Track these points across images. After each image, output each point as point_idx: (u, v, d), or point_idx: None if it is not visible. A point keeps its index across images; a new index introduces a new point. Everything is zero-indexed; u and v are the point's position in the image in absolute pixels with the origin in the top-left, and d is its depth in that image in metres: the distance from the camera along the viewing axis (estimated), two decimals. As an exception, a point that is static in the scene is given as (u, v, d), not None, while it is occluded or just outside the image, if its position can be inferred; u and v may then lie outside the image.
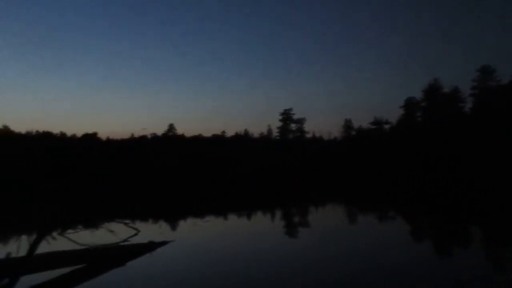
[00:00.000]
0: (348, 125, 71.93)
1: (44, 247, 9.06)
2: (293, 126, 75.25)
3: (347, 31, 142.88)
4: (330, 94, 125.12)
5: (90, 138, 63.36)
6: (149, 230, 14.37)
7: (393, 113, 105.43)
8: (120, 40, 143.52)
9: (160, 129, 79.98)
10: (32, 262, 8.00)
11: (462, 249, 11.56)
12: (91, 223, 16.89)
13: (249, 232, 14.94)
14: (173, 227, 17.12)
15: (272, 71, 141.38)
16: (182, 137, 73.47)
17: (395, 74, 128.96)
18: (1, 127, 64.27)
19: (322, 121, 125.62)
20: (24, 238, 12.27)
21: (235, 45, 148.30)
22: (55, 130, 76.67)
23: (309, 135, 75.24)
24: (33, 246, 8.18)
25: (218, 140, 72.84)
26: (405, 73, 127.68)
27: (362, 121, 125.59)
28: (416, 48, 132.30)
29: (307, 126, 76.46)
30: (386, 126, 66.98)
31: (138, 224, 14.27)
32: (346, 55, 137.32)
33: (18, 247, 8.70)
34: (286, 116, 75.12)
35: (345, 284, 7.74)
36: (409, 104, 64.56)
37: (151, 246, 10.56)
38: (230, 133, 77.49)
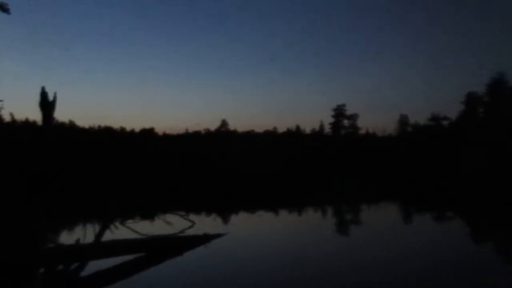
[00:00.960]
0: (403, 121, 69.40)
1: (107, 236, 9.65)
2: (346, 122, 73.94)
3: (403, 23, 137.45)
4: (385, 88, 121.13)
5: (147, 133, 66.07)
6: (203, 223, 14.83)
7: (452, 109, 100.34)
8: (176, 38, 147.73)
9: (213, 125, 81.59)
10: (98, 249, 8.58)
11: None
12: (148, 214, 17.69)
13: (300, 228, 14.98)
14: (226, 220, 17.50)
15: (325, 66, 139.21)
16: (234, 132, 74.58)
17: (454, 68, 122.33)
18: (67, 122, 68.49)
19: (376, 117, 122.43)
20: (89, 226, 13.01)
21: (286, 42, 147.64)
22: (116, 125, 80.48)
23: (362, 132, 73.67)
24: (100, 234, 8.77)
25: (270, 135, 73.22)
26: (464, 67, 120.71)
27: (419, 117, 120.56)
28: (476, 40, 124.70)
29: (360, 122, 74.84)
30: (445, 122, 63.89)
31: (192, 217, 14.68)
32: (401, 48, 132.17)
33: (84, 234, 9.33)
34: (339, 112, 73.89)
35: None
36: (471, 99, 61.17)
37: (206, 238, 10.91)
38: (281, 129, 77.61)
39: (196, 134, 72.42)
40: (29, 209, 9.17)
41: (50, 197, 10.19)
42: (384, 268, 8.69)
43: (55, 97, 8.96)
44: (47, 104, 8.80)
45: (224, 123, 76.22)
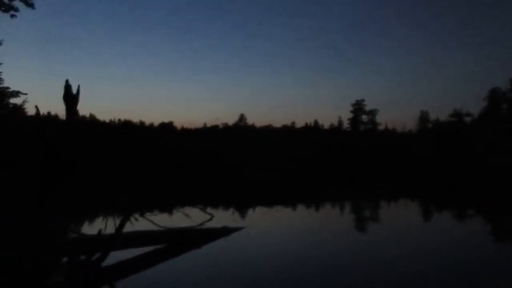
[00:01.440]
0: (424, 117, 68.45)
1: (127, 228, 9.80)
2: (364, 117, 73.29)
3: (424, 17, 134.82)
4: (405, 84, 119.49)
5: (166, 127, 66.73)
6: (221, 216, 14.91)
7: (475, 105, 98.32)
8: (195, 33, 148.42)
9: (231, 119, 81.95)
10: (119, 240, 8.74)
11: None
12: (167, 208, 17.87)
13: (318, 224, 14.92)
14: (244, 214, 17.55)
15: (344, 61, 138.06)
16: (252, 127, 74.72)
17: (477, 63, 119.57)
18: (88, 116, 69.68)
19: (395, 113, 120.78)
20: (109, 218, 13.19)
21: (305, 36, 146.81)
22: (135, 119, 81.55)
23: (381, 127, 72.88)
24: (121, 225, 8.92)
25: (288, 130, 73.10)
26: (487, 62, 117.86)
27: (440, 113, 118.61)
28: (500, 34, 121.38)
29: (379, 118, 74.14)
30: (467, 119, 62.71)
31: (210, 210, 14.80)
32: (422, 42, 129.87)
33: (105, 225, 9.50)
34: (358, 107, 73.26)
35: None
36: (494, 95, 59.85)
37: (225, 231, 11.00)
38: (299, 124, 77.42)
39: (214, 128, 72.84)
40: (51, 202, 9.37)
41: (71, 190, 10.40)
42: (404, 266, 8.59)
43: (78, 90, 9.11)
44: (71, 97, 8.95)
45: (242, 118, 76.45)
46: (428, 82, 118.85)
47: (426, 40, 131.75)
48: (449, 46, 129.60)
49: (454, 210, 19.27)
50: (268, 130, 73.18)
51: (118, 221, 9.41)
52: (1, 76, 14.27)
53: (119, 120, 72.38)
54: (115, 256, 8.60)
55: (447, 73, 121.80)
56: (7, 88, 14.08)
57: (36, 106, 9.98)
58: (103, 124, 67.23)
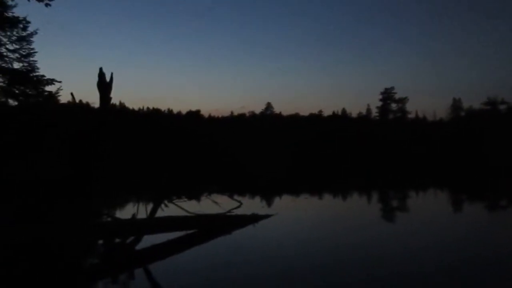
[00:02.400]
0: (456, 105, 66.41)
1: (158, 212, 10.01)
2: (394, 106, 71.81)
3: (456, 6, 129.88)
4: (437, 71, 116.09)
5: (194, 115, 67.38)
6: (249, 204, 15.01)
7: (510, 92, 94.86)
8: (223, 22, 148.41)
9: (258, 108, 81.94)
10: (152, 224, 8.97)
11: None
12: (194, 195, 18.09)
13: (345, 213, 14.80)
14: (271, 202, 17.60)
15: (373, 47, 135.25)
16: (279, 115, 74.49)
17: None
18: (117, 104, 71.04)
19: (426, 101, 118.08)
20: (140, 203, 13.45)
21: (333, 24, 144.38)
22: (163, 107, 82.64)
23: (411, 116, 71.27)
24: (154, 210, 9.14)
25: (315, 119, 72.48)
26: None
27: (473, 101, 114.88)
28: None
29: (409, 106, 72.57)
30: (502, 107, 60.42)
31: (237, 198, 14.91)
32: (454, 27, 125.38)
33: (136, 210, 9.75)
34: (387, 95, 71.84)
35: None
36: (532, 83, 57.51)
37: (254, 218, 11.09)
38: (327, 112, 76.61)
39: (241, 116, 73.01)
40: (86, 187, 9.67)
41: (105, 176, 10.66)
42: (433, 256, 8.43)
43: (111, 78, 9.29)
44: (105, 85, 9.15)
45: (269, 106, 76.28)
46: (461, 69, 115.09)
47: (458, 26, 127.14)
48: (482, 31, 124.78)
49: (486, 201, 18.71)
50: (295, 119, 72.75)
51: (148, 207, 9.64)
52: (37, 64, 14.65)
53: (148, 108, 73.58)
54: (148, 240, 8.83)
55: (481, 60, 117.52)
56: (43, 76, 14.47)
57: (71, 93, 10.25)
58: (132, 112, 68.46)
